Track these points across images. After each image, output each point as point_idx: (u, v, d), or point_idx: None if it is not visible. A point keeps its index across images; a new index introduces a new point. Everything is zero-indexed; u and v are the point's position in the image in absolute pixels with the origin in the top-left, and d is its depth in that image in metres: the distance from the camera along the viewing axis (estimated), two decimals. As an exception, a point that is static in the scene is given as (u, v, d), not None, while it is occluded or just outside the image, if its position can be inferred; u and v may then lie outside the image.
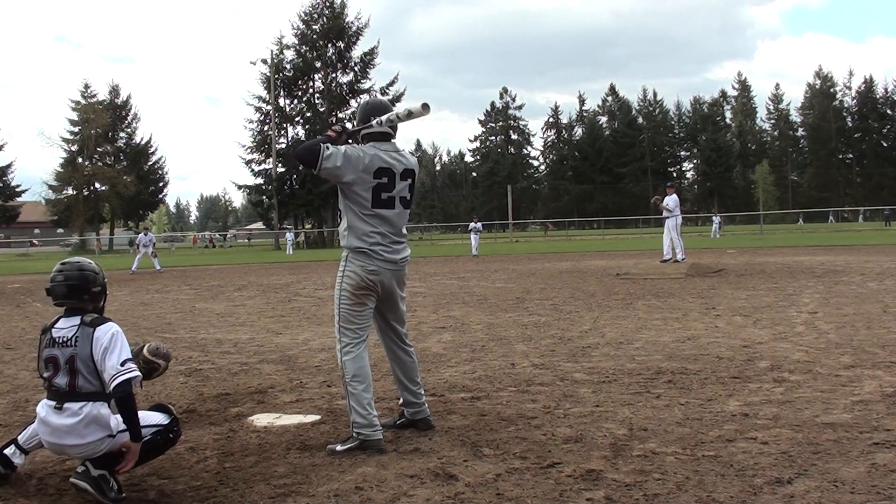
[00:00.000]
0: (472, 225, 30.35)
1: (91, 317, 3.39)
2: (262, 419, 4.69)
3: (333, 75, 58.74)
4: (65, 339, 3.33)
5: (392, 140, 4.14)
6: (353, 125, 4.22)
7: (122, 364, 3.25)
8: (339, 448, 3.88)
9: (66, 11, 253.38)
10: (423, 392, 4.36)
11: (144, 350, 3.93)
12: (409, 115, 4.01)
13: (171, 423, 3.53)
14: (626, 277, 15.04)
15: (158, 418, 3.52)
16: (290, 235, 46.30)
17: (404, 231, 4.19)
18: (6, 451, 3.60)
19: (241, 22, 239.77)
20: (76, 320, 3.37)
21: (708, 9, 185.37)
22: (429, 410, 4.37)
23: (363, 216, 4.01)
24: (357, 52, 59.05)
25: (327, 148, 3.92)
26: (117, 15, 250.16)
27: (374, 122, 4.06)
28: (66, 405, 3.26)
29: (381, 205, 4.02)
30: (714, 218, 48.73)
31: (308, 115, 58.97)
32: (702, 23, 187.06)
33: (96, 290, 3.49)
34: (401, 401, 4.36)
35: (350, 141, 4.14)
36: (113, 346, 3.28)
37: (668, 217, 17.40)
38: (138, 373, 3.31)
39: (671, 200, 17.30)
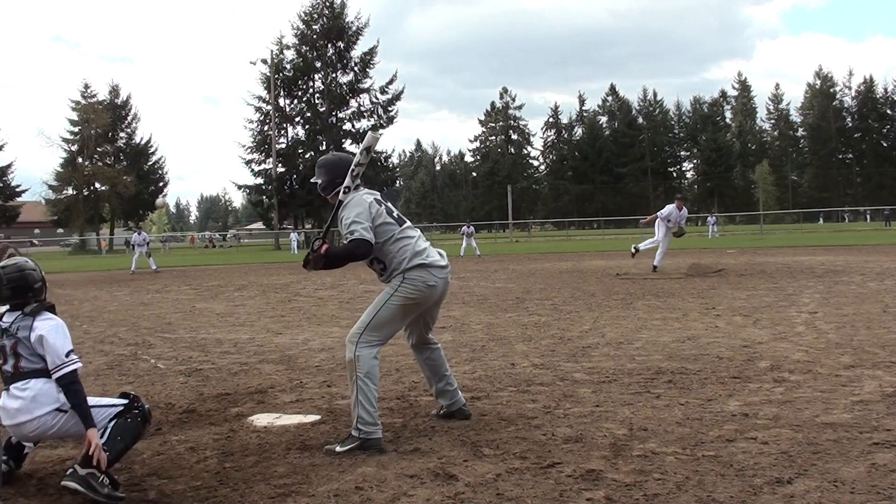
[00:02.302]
0: (464, 229, 30.14)
1: (31, 307, 3.53)
2: (262, 419, 4.69)
3: (333, 75, 58.72)
4: (7, 329, 3.50)
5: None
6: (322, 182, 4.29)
7: (67, 355, 3.41)
8: (338, 449, 3.88)
9: (63, 11, 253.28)
10: (454, 382, 4.52)
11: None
12: (368, 151, 4.16)
13: (131, 403, 3.59)
14: (626, 277, 15.04)
15: (115, 400, 3.61)
16: (294, 235, 46.41)
17: None
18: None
19: (238, 22, 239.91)
20: (18, 312, 3.54)
21: (706, 8, 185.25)
22: (463, 399, 4.54)
23: (399, 237, 4.10)
24: (357, 52, 59.14)
25: (351, 234, 3.95)
26: (115, 15, 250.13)
27: (346, 185, 4.10)
28: (13, 386, 3.43)
29: (400, 221, 4.17)
30: (710, 218, 48.71)
31: (308, 115, 58.97)
32: (700, 22, 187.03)
33: (38, 286, 3.63)
34: (433, 391, 4.51)
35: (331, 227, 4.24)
36: (54, 337, 3.42)
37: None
38: (80, 364, 3.45)
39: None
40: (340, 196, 4.13)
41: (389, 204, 4.24)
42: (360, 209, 4.04)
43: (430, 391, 4.59)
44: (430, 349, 4.45)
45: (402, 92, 59.35)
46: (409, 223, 4.24)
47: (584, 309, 9.95)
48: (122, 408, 3.55)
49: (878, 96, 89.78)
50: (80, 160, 61.74)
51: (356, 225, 3.98)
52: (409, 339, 4.49)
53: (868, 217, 63.71)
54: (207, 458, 3.92)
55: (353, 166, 4.14)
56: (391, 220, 4.12)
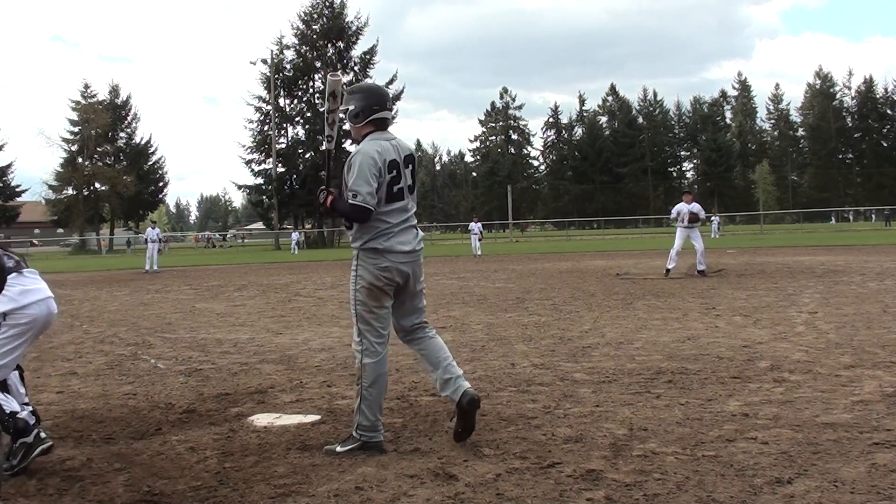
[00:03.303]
0: (472, 225, 30.13)
1: None
2: (262, 419, 4.68)
3: (333, 75, 58.75)
4: None
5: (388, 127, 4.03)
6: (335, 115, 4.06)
7: None
8: (339, 449, 3.87)
9: (62, 11, 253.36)
10: (456, 370, 4.00)
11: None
12: (333, 96, 3.96)
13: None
14: (626, 277, 15.05)
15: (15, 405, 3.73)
16: (295, 235, 46.30)
17: (414, 220, 4.07)
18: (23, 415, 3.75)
19: (237, 22, 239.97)
20: None
21: (705, 8, 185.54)
22: (467, 383, 3.97)
23: (378, 214, 3.86)
24: (357, 52, 59.19)
25: (354, 196, 3.75)
26: (114, 15, 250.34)
27: (328, 135, 4.02)
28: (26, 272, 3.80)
29: (393, 198, 3.90)
30: (714, 218, 48.68)
31: (308, 115, 58.99)
32: (699, 22, 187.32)
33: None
34: (437, 385, 4.04)
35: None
36: None
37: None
38: None
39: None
40: (325, 145, 4.05)
41: (407, 171, 3.93)
42: (369, 164, 3.77)
43: (436, 386, 4.14)
44: (422, 340, 4.09)
45: (401, 92, 59.48)
46: (403, 202, 3.92)
47: (584, 309, 9.94)
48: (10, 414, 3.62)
49: (878, 96, 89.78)
50: (80, 160, 61.76)
51: (362, 186, 3.73)
52: (399, 336, 4.16)
53: (873, 217, 63.86)
54: (207, 458, 3.91)
55: (326, 114, 3.99)
56: (383, 195, 3.82)
